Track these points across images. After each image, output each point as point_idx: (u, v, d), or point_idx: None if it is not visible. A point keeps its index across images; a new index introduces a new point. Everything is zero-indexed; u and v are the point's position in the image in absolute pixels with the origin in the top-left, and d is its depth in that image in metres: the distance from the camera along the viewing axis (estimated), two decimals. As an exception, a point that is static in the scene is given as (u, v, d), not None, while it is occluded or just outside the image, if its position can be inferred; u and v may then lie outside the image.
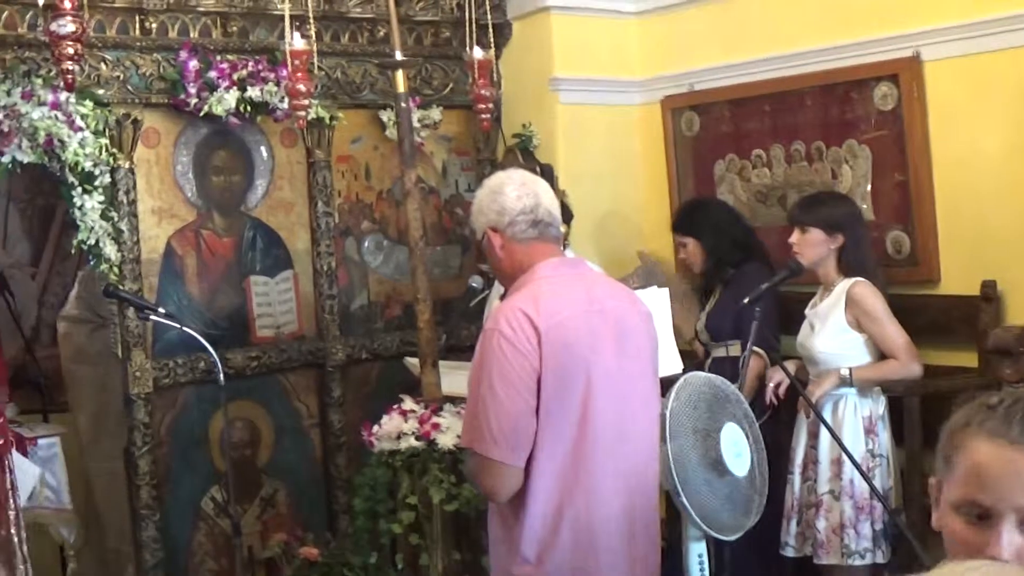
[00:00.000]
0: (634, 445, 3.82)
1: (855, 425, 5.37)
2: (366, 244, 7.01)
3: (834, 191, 6.13)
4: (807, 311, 5.61)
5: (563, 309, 3.68)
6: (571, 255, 5.60)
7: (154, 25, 6.18)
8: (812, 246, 5.48)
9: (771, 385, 5.59)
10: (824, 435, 5.32)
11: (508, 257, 3.83)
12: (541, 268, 3.78)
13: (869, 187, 6.21)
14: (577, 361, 3.65)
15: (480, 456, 3.57)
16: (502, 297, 4.07)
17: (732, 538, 4.81)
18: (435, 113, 7.15)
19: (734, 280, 6.21)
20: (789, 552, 5.58)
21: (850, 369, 5.35)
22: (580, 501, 3.67)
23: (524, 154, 7.22)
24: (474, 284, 6.12)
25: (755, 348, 5.40)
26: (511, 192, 3.83)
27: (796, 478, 5.54)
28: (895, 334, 5.36)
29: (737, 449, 4.64)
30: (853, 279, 5.42)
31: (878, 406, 5.41)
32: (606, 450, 3.71)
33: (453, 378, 5.53)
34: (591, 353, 3.69)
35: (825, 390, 5.35)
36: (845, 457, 5.15)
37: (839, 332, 5.42)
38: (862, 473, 5.06)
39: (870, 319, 5.37)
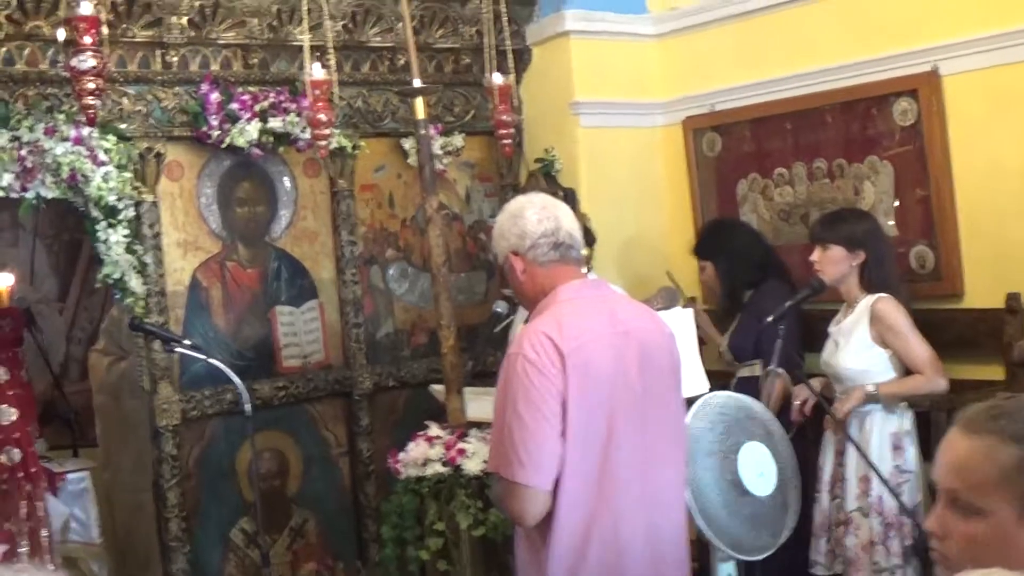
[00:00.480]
0: (660, 467, 3.80)
1: (882, 441, 5.35)
2: (391, 272, 7.02)
3: (855, 208, 6.12)
4: (830, 328, 5.60)
5: (586, 331, 3.67)
6: (594, 278, 5.61)
7: (175, 58, 6.22)
8: (834, 263, 5.47)
9: (797, 403, 5.58)
10: (851, 452, 5.30)
11: (530, 280, 3.83)
12: (563, 291, 3.78)
13: (892, 203, 6.19)
14: (601, 383, 3.64)
15: (507, 480, 3.55)
16: (526, 322, 4.06)
17: (759, 558, 4.81)
18: (457, 140, 7.18)
19: (752, 301, 6.28)
20: (819, 571, 5.55)
21: (876, 385, 5.33)
22: (607, 523, 3.66)
23: (547, 179, 7.23)
24: (499, 309, 6.11)
25: (777, 370, 5.39)
26: (531, 216, 3.83)
27: (824, 496, 5.52)
28: (920, 349, 5.34)
29: (760, 468, 4.64)
30: (876, 295, 5.40)
31: (904, 421, 5.39)
32: (632, 472, 3.70)
33: (478, 404, 5.52)
34: (615, 375, 3.68)
35: (851, 407, 5.33)
36: (873, 474, 5.13)
37: (864, 348, 5.40)
38: (890, 489, 5.05)
39: (894, 334, 5.36)
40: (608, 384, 3.66)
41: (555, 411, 3.55)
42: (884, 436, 5.36)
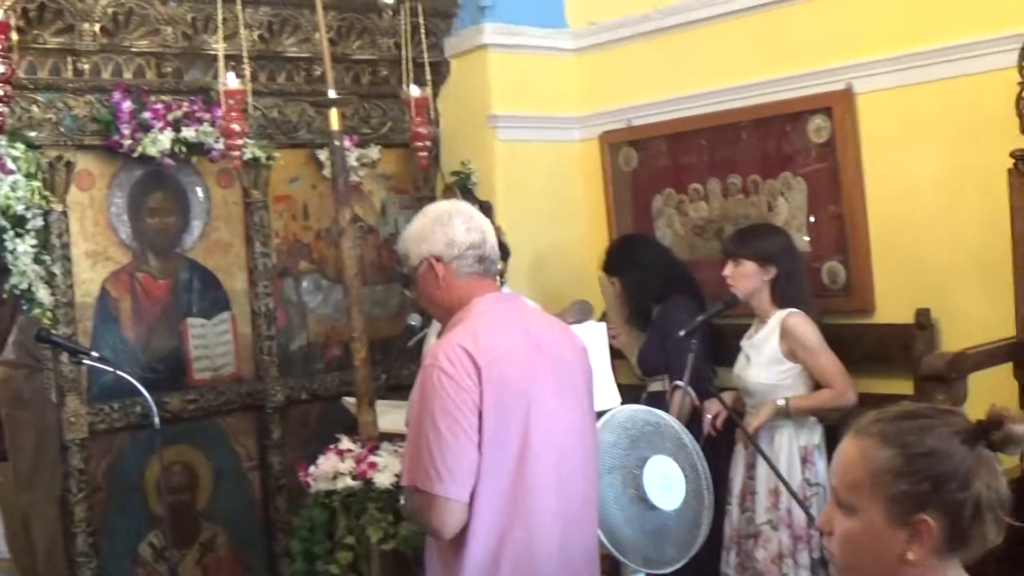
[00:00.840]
0: (572, 479, 3.79)
1: (792, 454, 5.38)
2: (304, 284, 6.98)
3: (767, 223, 6.16)
4: (742, 343, 5.63)
5: (502, 344, 3.65)
6: (508, 291, 5.59)
7: (87, 66, 6.14)
8: (745, 278, 5.49)
9: (709, 416, 5.59)
10: (761, 466, 5.32)
11: (447, 290, 3.79)
12: (479, 303, 3.76)
13: (805, 219, 6.24)
14: (517, 396, 3.62)
15: (424, 493, 3.51)
16: (440, 335, 4.03)
17: (666, 571, 4.81)
18: (373, 152, 7.15)
19: (659, 316, 6.29)
20: None
21: (787, 399, 5.36)
22: (520, 536, 3.64)
23: (463, 192, 7.20)
24: (412, 323, 6.08)
25: (680, 384, 5.43)
26: (460, 225, 3.79)
27: (734, 509, 5.54)
28: (830, 364, 5.38)
29: (667, 483, 4.64)
30: (787, 310, 5.43)
31: (814, 435, 5.43)
32: (545, 484, 3.68)
33: (390, 416, 5.50)
34: (530, 388, 3.67)
35: (762, 421, 5.35)
36: (782, 487, 5.15)
37: (774, 363, 5.43)
38: (799, 502, 5.07)
39: (805, 350, 5.39)
40: (523, 398, 3.64)
41: (472, 423, 3.52)
42: (794, 449, 5.39)
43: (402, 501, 3.90)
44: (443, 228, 3.78)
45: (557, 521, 3.72)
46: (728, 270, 5.55)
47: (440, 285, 3.78)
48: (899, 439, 2.20)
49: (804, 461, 5.37)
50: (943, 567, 2.19)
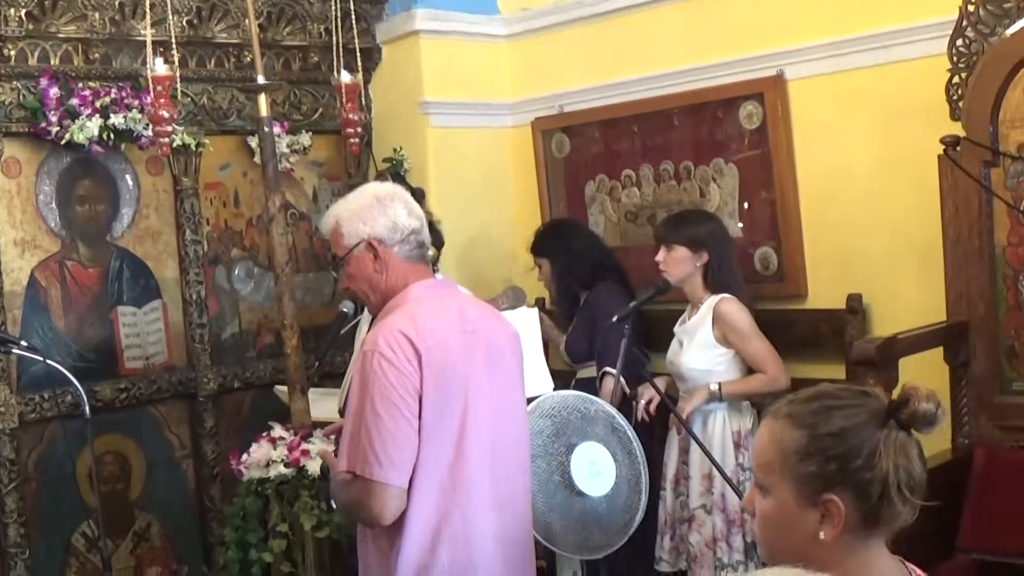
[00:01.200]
0: (507, 465, 3.81)
1: (725, 439, 5.41)
2: (236, 272, 6.93)
3: (699, 209, 6.19)
4: (676, 328, 5.65)
5: (440, 330, 3.66)
6: (442, 278, 5.59)
7: (13, 52, 6.06)
8: (678, 264, 5.52)
9: (642, 402, 5.60)
10: (695, 450, 5.34)
11: (387, 274, 3.77)
12: (415, 289, 3.75)
13: (737, 205, 6.27)
14: (455, 382, 3.63)
15: (363, 480, 3.50)
16: (372, 323, 4.01)
17: (595, 557, 4.85)
18: (304, 138, 7.11)
19: (587, 302, 6.30)
20: (664, 567, 5.61)
21: (719, 384, 5.39)
22: (458, 522, 3.64)
23: (395, 178, 7.17)
24: (345, 310, 6.05)
25: (610, 371, 5.45)
26: (402, 209, 3.78)
27: (668, 494, 5.57)
28: (762, 349, 5.41)
29: (595, 468, 4.67)
30: (720, 296, 5.46)
31: (747, 420, 5.46)
32: (482, 470, 3.70)
33: (323, 404, 5.48)
34: (467, 373, 3.68)
35: (695, 406, 5.38)
36: (716, 472, 5.18)
37: (707, 348, 5.45)
38: (732, 487, 5.10)
39: (737, 335, 5.42)
40: (461, 383, 3.66)
41: (413, 409, 3.52)
42: (727, 434, 5.42)
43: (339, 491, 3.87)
44: (386, 210, 3.76)
45: (493, 506, 3.74)
46: (660, 256, 5.56)
47: (379, 268, 3.76)
48: (807, 420, 2.23)
49: (737, 446, 5.40)
50: (859, 545, 2.22)
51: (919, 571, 2.33)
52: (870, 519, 2.19)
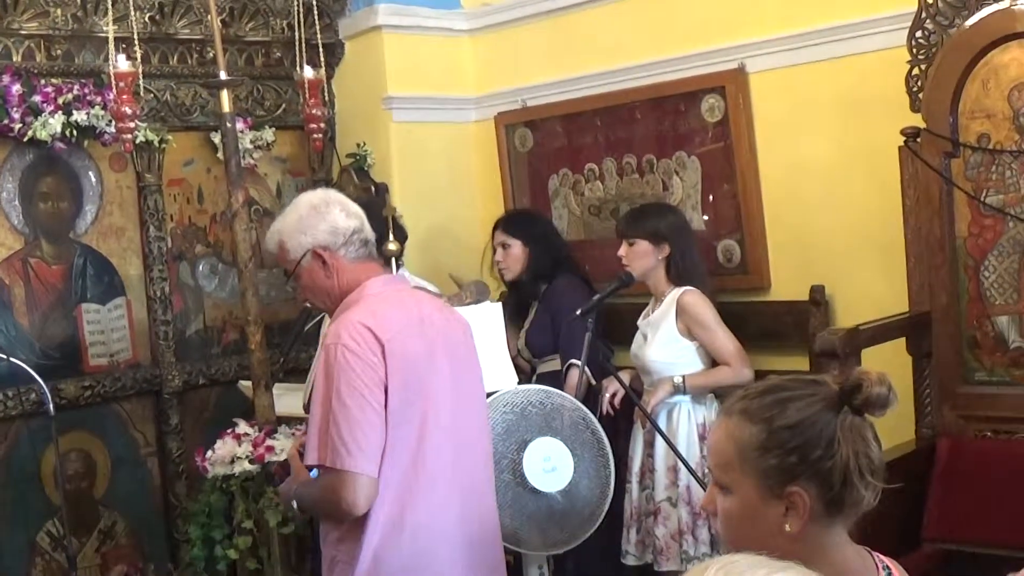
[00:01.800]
0: (470, 455, 3.87)
1: (690, 432, 5.44)
2: (200, 268, 6.92)
3: (660, 202, 6.21)
4: (639, 322, 5.67)
5: (399, 321, 3.70)
6: (406, 274, 5.60)
7: (-26, 49, 6.05)
8: (640, 257, 5.55)
9: (607, 396, 5.62)
10: (660, 443, 5.37)
11: (338, 277, 3.81)
12: (370, 285, 3.80)
13: (699, 198, 6.29)
14: (417, 373, 3.68)
15: (335, 471, 3.52)
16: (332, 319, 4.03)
17: (560, 551, 4.87)
18: (268, 134, 7.10)
19: (546, 295, 6.27)
20: (630, 560, 5.62)
21: (683, 377, 5.42)
22: (421, 511, 3.68)
23: (359, 174, 7.20)
24: (308, 305, 6.06)
25: (576, 363, 5.47)
26: (339, 212, 3.82)
27: (634, 487, 5.58)
28: (725, 341, 5.44)
29: (550, 464, 4.70)
30: (683, 288, 5.49)
31: (711, 412, 5.49)
32: (445, 461, 3.74)
33: (287, 399, 5.48)
34: (429, 366, 3.73)
35: (659, 399, 5.40)
36: (681, 464, 5.20)
37: (671, 341, 5.48)
38: (697, 479, 5.12)
39: (700, 327, 5.45)
40: (423, 374, 3.70)
41: (379, 399, 3.56)
42: (692, 426, 5.45)
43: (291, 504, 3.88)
44: (325, 217, 3.81)
45: (455, 496, 3.79)
46: (623, 250, 5.60)
47: (330, 274, 3.81)
48: (762, 414, 2.23)
49: (702, 438, 5.41)
50: (824, 534, 2.23)
51: (886, 559, 2.34)
52: (833, 507, 2.20)
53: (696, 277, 5.57)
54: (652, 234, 5.55)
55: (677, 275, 5.55)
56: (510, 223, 6.44)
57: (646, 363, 5.58)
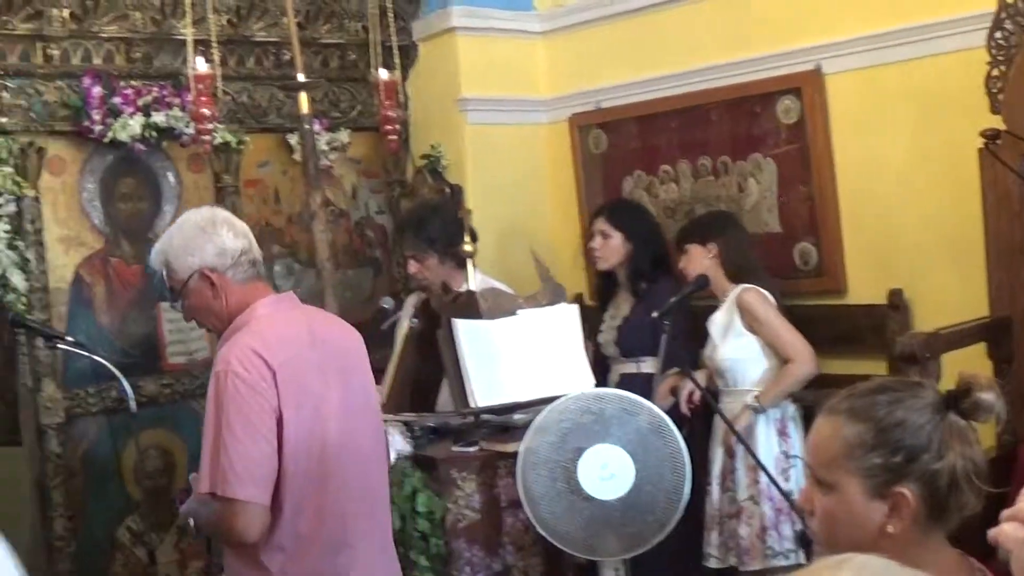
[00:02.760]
0: (367, 473, 3.89)
1: (768, 429, 5.43)
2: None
3: (707, 211, 6.27)
4: (708, 325, 5.65)
5: (291, 345, 3.70)
6: (478, 275, 5.63)
7: (56, 52, 6.12)
8: (694, 261, 5.64)
9: (684, 394, 5.61)
10: (739, 444, 5.35)
11: (225, 299, 3.77)
12: (260, 306, 3.77)
13: (775, 200, 6.28)
14: (310, 396, 3.68)
15: (226, 500, 3.49)
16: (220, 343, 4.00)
17: (621, 557, 4.86)
18: (343, 135, 7.15)
19: (649, 295, 6.04)
20: (712, 563, 5.59)
21: (756, 397, 5.41)
22: (320, 531, 3.69)
23: (433, 175, 7.23)
24: (385, 305, 6.12)
25: (679, 372, 5.44)
26: (227, 232, 3.78)
27: (715, 489, 5.56)
28: (787, 336, 5.44)
29: (609, 471, 4.68)
30: (742, 286, 5.50)
31: (789, 408, 5.49)
32: (343, 481, 3.75)
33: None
34: (322, 387, 3.73)
35: (744, 424, 5.38)
36: (762, 461, 5.19)
37: (737, 337, 5.50)
38: (773, 481, 5.08)
39: (760, 324, 5.45)
40: (317, 397, 3.70)
41: (270, 427, 3.55)
42: (770, 423, 5.44)
43: (188, 521, 3.89)
44: (212, 238, 3.76)
45: (362, 509, 3.83)
46: (681, 263, 5.72)
47: (218, 295, 3.77)
48: (869, 413, 2.23)
49: (780, 433, 5.43)
50: (925, 537, 2.22)
51: (980, 564, 2.32)
52: (937, 510, 2.20)
53: (751, 272, 5.58)
54: (698, 235, 5.67)
55: (733, 272, 5.59)
56: (615, 213, 6.27)
57: (717, 363, 5.60)
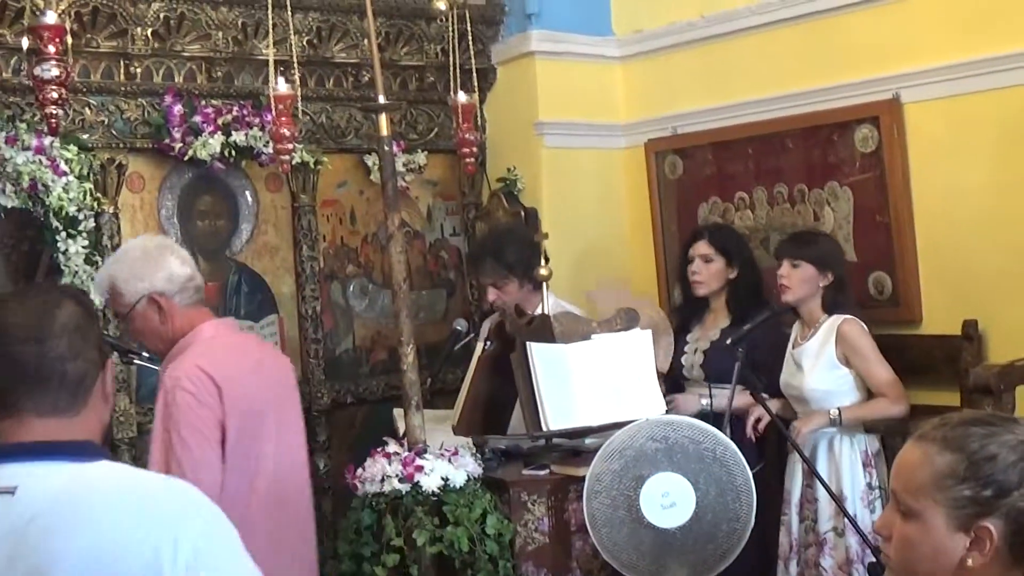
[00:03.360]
0: (299, 491, 4.17)
1: (853, 459, 5.35)
2: (351, 288, 7.01)
3: (820, 230, 6.14)
4: (791, 351, 5.60)
5: (235, 364, 3.90)
6: (552, 298, 5.62)
7: (139, 70, 6.21)
8: (803, 281, 5.47)
9: (751, 420, 5.54)
10: (822, 472, 5.28)
11: (171, 323, 3.96)
12: (205, 329, 3.98)
13: (851, 229, 6.24)
14: (253, 414, 3.87)
15: None
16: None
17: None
18: (420, 157, 7.18)
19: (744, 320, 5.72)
20: None
21: (839, 409, 5.34)
22: (260, 546, 3.71)
23: (508, 198, 7.24)
24: (459, 328, 6.13)
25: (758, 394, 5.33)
26: (174, 259, 4.00)
27: (793, 519, 5.49)
28: (884, 372, 5.36)
29: (670, 500, 4.65)
30: (842, 316, 5.41)
31: (874, 440, 5.42)
32: (280, 498, 3.94)
33: (438, 436, 5.48)
34: (263, 406, 3.94)
35: (812, 428, 5.33)
36: (846, 492, 5.14)
37: (830, 368, 5.40)
38: (847, 515, 4.99)
39: (859, 357, 5.37)
40: (258, 416, 3.91)
41: (217, 439, 3.76)
42: (856, 454, 5.37)
43: None
44: (161, 264, 3.96)
45: (290, 523, 4.07)
46: (784, 271, 5.52)
47: (164, 320, 3.95)
48: (962, 444, 2.21)
49: (866, 465, 5.36)
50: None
51: None
52: (1018, 548, 2.17)
53: (852, 307, 5.49)
54: (819, 259, 5.50)
55: (833, 303, 5.49)
56: (716, 236, 6.10)
57: (803, 392, 5.49)
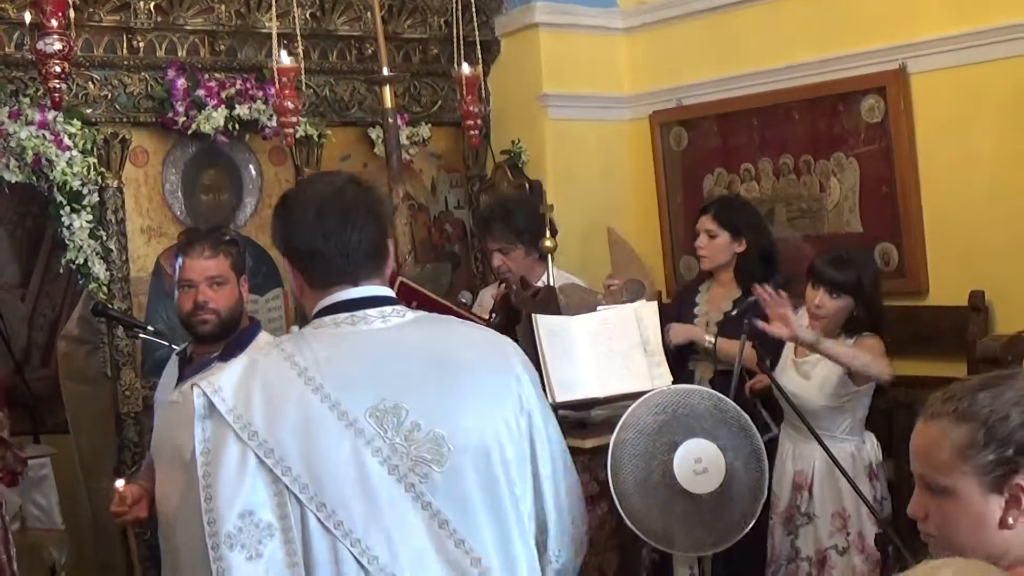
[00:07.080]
0: None
1: (857, 473, 4.98)
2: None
3: (855, 248, 5.67)
4: (795, 358, 5.29)
5: None
6: (556, 271, 5.61)
7: (142, 44, 6.19)
8: (835, 313, 5.05)
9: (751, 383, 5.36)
10: (819, 489, 5.09)
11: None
12: None
13: (857, 200, 6.22)
14: None
15: None
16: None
17: (708, 553, 4.80)
18: (424, 130, 7.16)
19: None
20: None
21: (816, 336, 4.95)
22: None
23: (513, 170, 7.23)
24: (463, 300, 6.10)
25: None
26: None
27: (778, 527, 5.28)
28: (877, 349, 5.01)
29: (703, 465, 4.62)
30: (862, 335, 5.07)
31: (878, 451, 5.13)
32: None
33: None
34: None
35: (806, 337, 4.94)
36: (850, 509, 4.98)
37: (840, 387, 5.04)
38: (856, 488, 4.82)
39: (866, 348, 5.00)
40: None
41: None
42: (859, 468, 5.06)
43: None
44: None
45: None
46: (819, 300, 5.07)
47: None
48: (974, 412, 2.22)
49: (871, 478, 5.09)
50: None
51: None
52: None
53: (874, 327, 5.13)
54: (858, 290, 5.05)
55: (854, 326, 5.11)
56: (720, 212, 5.89)
57: (805, 403, 5.10)
